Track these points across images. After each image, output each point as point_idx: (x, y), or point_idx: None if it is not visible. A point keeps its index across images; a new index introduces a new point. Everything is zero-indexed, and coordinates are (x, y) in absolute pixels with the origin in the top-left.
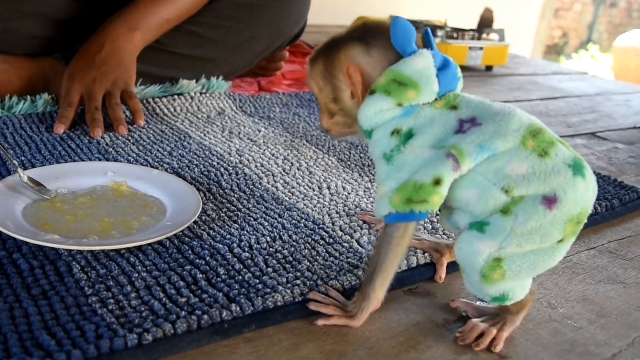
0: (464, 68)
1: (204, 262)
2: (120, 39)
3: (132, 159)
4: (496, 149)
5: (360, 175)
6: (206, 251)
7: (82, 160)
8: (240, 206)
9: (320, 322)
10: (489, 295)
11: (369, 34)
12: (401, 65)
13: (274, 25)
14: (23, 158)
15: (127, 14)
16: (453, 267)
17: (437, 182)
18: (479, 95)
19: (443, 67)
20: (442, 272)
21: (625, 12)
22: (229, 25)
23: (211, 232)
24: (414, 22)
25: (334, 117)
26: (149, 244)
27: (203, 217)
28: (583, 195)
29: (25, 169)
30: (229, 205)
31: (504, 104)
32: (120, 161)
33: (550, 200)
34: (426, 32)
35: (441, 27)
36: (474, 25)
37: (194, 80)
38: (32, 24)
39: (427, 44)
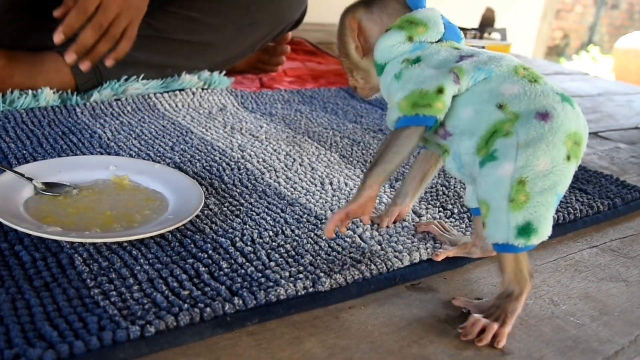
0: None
1: (206, 255)
2: None
3: (134, 154)
4: (491, 72)
5: (362, 171)
6: (209, 245)
7: (84, 154)
8: (243, 201)
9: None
10: (515, 227)
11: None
12: (413, 12)
13: (274, 10)
14: (25, 152)
15: None
16: (456, 263)
17: (440, 90)
18: None
19: (448, 24)
20: (442, 256)
21: (626, 14)
22: (229, 11)
23: (213, 226)
24: None
25: (354, 75)
26: (152, 237)
27: (205, 212)
28: (574, 118)
29: (27, 162)
30: (231, 199)
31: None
32: (122, 155)
33: (543, 115)
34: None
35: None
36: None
37: (196, 76)
38: (33, 18)
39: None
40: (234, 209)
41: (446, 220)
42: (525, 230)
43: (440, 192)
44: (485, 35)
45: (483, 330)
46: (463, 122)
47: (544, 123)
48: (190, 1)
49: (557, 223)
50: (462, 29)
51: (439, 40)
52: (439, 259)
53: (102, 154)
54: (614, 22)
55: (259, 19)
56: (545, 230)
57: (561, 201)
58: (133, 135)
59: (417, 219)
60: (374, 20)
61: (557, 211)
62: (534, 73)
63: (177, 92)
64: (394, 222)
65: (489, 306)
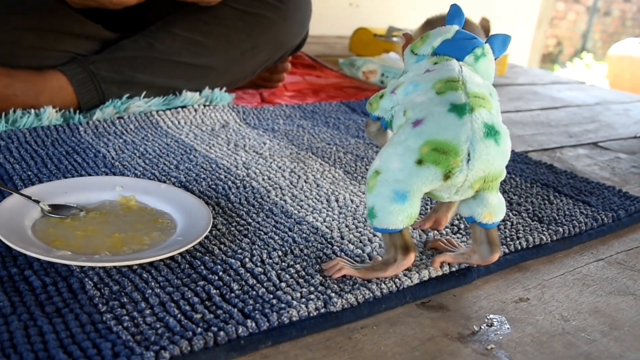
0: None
1: (217, 277)
2: None
3: (139, 173)
4: (418, 84)
5: None
6: (219, 266)
7: (89, 175)
8: (250, 220)
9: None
10: (367, 209)
11: (432, 21)
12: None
13: (276, 36)
14: (29, 173)
15: None
16: (465, 279)
17: (381, 96)
18: None
19: (455, 39)
20: (438, 262)
21: (619, 21)
22: (232, 35)
23: (222, 246)
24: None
25: None
26: (161, 260)
27: (213, 232)
28: (452, 128)
29: (32, 184)
30: (238, 219)
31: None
32: (128, 175)
33: (417, 122)
34: (455, 9)
35: None
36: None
37: (197, 93)
38: (36, 36)
39: (452, 20)
40: (241, 228)
41: (452, 235)
42: (370, 213)
43: None
44: None
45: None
46: (395, 126)
47: (413, 129)
48: (194, 24)
49: (563, 236)
50: None
51: (434, 54)
52: (436, 264)
53: (107, 173)
54: (607, 29)
55: (261, 44)
56: (385, 219)
57: (566, 214)
58: (137, 154)
59: (425, 236)
60: (416, 35)
61: (562, 224)
62: (450, 87)
63: (179, 109)
64: (432, 228)
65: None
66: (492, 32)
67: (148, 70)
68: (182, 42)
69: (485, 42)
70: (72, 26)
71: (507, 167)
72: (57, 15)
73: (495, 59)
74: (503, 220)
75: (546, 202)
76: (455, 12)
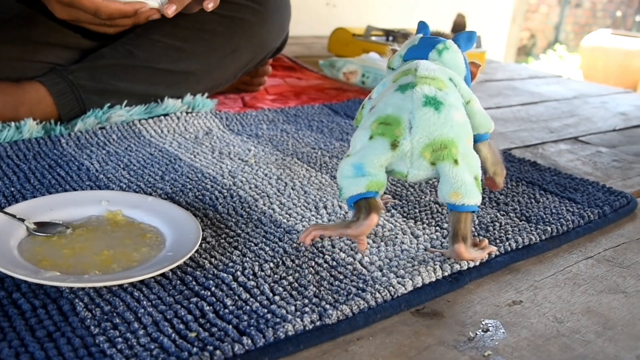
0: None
1: (209, 293)
2: None
3: (124, 185)
4: (385, 84)
5: None
6: (211, 281)
7: (73, 189)
8: (239, 231)
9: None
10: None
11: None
12: None
13: (256, 38)
14: (13, 189)
15: None
16: (457, 283)
17: (362, 107)
18: None
19: (419, 44)
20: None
21: (590, 12)
22: (211, 39)
23: (213, 260)
24: (390, 31)
25: None
26: (153, 277)
27: (203, 245)
28: (395, 103)
29: (16, 201)
30: (227, 230)
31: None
32: (113, 188)
33: (372, 107)
34: (421, 24)
35: None
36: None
37: (179, 100)
38: (14, 47)
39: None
40: (231, 240)
41: (443, 239)
42: (339, 191)
43: (435, 210)
44: None
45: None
46: None
47: (369, 113)
48: (173, 29)
49: (552, 236)
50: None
51: (404, 62)
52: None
53: (91, 187)
54: (579, 20)
55: (241, 47)
56: (348, 190)
57: (553, 212)
58: (121, 166)
59: (415, 240)
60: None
61: (550, 223)
62: (406, 73)
63: (162, 117)
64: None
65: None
66: (467, 28)
67: (128, 78)
68: (162, 48)
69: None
70: (50, 36)
71: None
72: (34, 25)
73: (463, 53)
74: (492, 221)
75: (533, 200)
76: (421, 26)
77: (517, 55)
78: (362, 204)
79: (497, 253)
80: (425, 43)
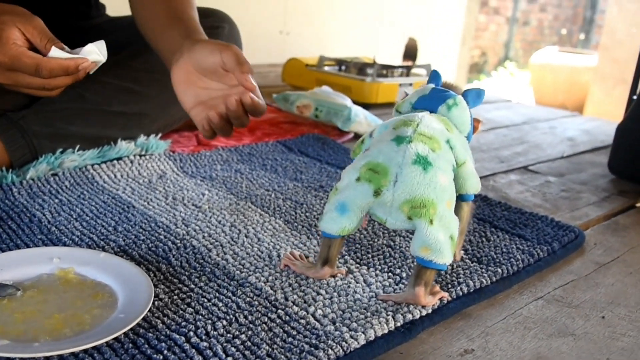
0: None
1: (162, 356)
2: None
3: (76, 239)
4: (387, 126)
5: (308, 237)
6: (163, 344)
7: (25, 243)
8: (193, 285)
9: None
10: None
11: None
12: None
13: None
14: None
15: None
16: (410, 334)
17: (362, 141)
18: None
19: (429, 95)
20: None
21: (537, 30)
22: (163, 79)
23: (166, 319)
24: (343, 61)
25: None
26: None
27: (156, 302)
28: (388, 153)
29: None
30: (180, 285)
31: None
32: (64, 241)
33: (367, 149)
34: (434, 74)
35: (371, 65)
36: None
37: (133, 143)
38: None
39: (431, 81)
40: (184, 296)
41: (395, 286)
42: (321, 217)
43: (387, 254)
44: (412, 72)
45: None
46: None
47: (362, 154)
48: (124, 71)
49: (502, 277)
50: (390, 66)
51: (413, 109)
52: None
53: (43, 241)
54: (527, 37)
55: None
56: (325, 224)
57: (504, 252)
58: (74, 216)
59: (368, 288)
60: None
61: (501, 264)
62: (407, 123)
63: (115, 161)
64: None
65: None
66: (419, 51)
67: (80, 121)
68: (113, 90)
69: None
70: None
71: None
72: None
73: (470, 109)
74: None
75: (484, 239)
76: (434, 75)
77: (469, 72)
78: (324, 251)
79: (449, 298)
80: (436, 95)
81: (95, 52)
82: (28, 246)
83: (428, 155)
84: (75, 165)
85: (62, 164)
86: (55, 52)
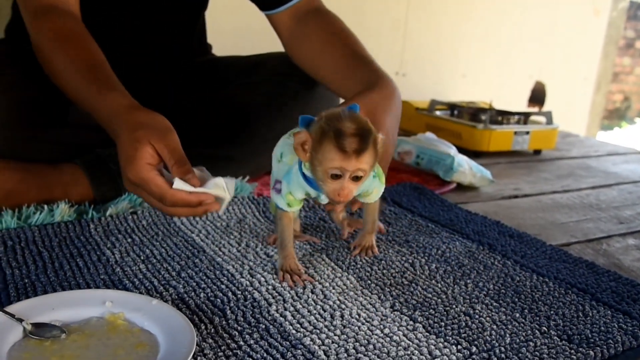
0: (510, 153)
1: None
2: None
3: (137, 281)
4: None
5: (379, 298)
6: None
7: (86, 283)
8: (242, 342)
9: None
10: None
11: None
12: None
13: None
14: (27, 280)
15: None
16: None
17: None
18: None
19: None
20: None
21: None
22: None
23: None
24: (455, 105)
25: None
26: None
27: (198, 358)
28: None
29: (26, 294)
30: (229, 341)
31: None
32: (125, 283)
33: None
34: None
35: (485, 110)
36: (525, 100)
37: None
38: (52, 129)
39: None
40: (230, 353)
41: None
42: None
43: (463, 324)
44: (531, 118)
45: None
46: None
47: None
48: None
49: None
50: (506, 112)
51: None
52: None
53: (105, 281)
54: None
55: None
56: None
57: (601, 330)
58: (142, 257)
59: None
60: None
61: (595, 345)
62: None
63: None
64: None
65: None
66: (546, 96)
67: None
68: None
69: None
70: (88, 118)
71: (542, 268)
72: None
73: None
74: (525, 340)
75: (580, 314)
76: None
77: (607, 117)
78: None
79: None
80: None
81: (222, 188)
82: (89, 286)
83: None
84: None
85: (143, 203)
86: (180, 185)
